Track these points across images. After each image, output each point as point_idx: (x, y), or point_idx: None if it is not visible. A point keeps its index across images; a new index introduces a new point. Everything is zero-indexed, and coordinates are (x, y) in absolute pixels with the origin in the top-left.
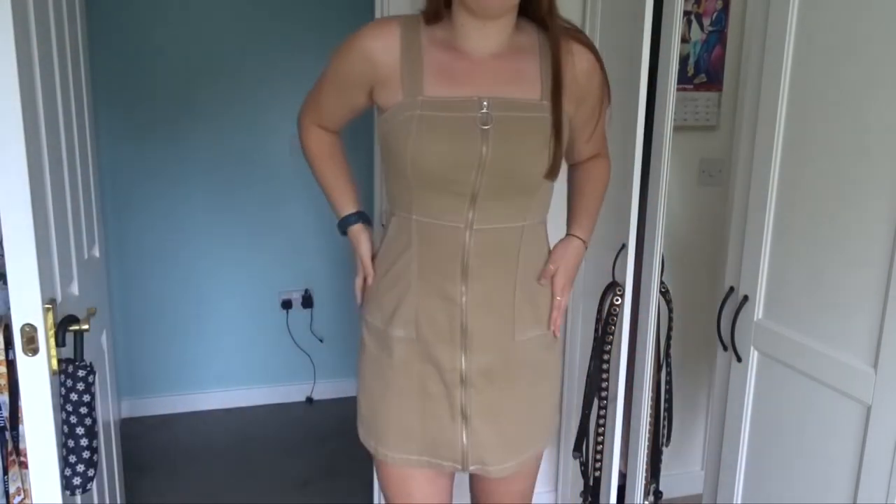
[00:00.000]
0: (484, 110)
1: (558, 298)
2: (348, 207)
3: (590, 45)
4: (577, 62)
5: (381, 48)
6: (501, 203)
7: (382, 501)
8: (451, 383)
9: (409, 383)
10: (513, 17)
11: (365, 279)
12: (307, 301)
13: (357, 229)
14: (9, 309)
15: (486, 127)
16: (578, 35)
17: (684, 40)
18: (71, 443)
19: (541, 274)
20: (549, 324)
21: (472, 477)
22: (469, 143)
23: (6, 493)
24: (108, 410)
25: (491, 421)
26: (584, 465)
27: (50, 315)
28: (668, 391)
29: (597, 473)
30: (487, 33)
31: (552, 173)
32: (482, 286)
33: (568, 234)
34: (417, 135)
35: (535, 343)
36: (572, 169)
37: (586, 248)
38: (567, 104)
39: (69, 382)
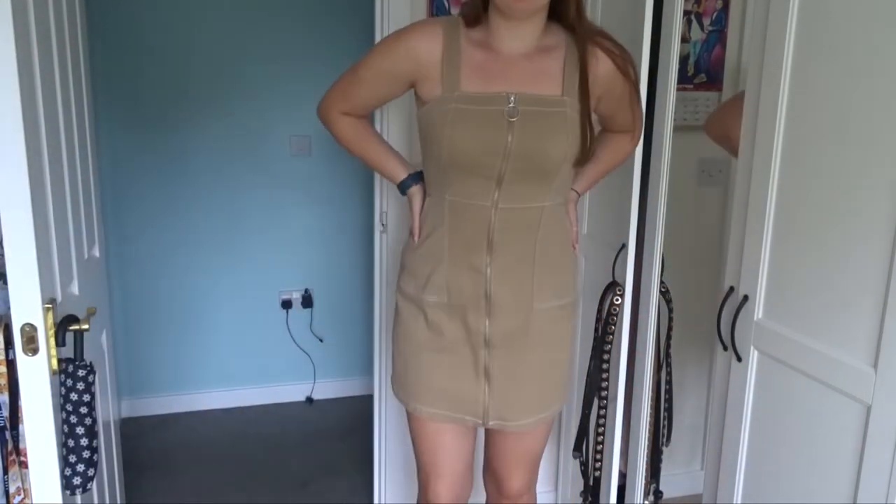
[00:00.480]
0: (511, 104)
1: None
2: (402, 173)
3: (612, 50)
4: (600, 65)
5: (425, 49)
6: (524, 186)
7: (382, 501)
8: (476, 345)
9: (439, 343)
10: (541, 20)
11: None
12: (307, 301)
13: (414, 190)
14: (9, 309)
15: (512, 119)
16: (603, 41)
17: (684, 40)
18: (71, 442)
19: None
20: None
21: (488, 437)
22: (497, 133)
23: (6, 492)
24: (108, 410)
25: (510, 381)
26: (584, 464)
27: (50, 315)
28: (668, 391)
29: (597, 473)
30: (518, 34)
31: (581, 161)
32: (504, 259)
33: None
34: (452, 125)
35: (553, 313)
36: (601, 133)
37: (578, 197)
38: (590, 100)
39: (69, 382)
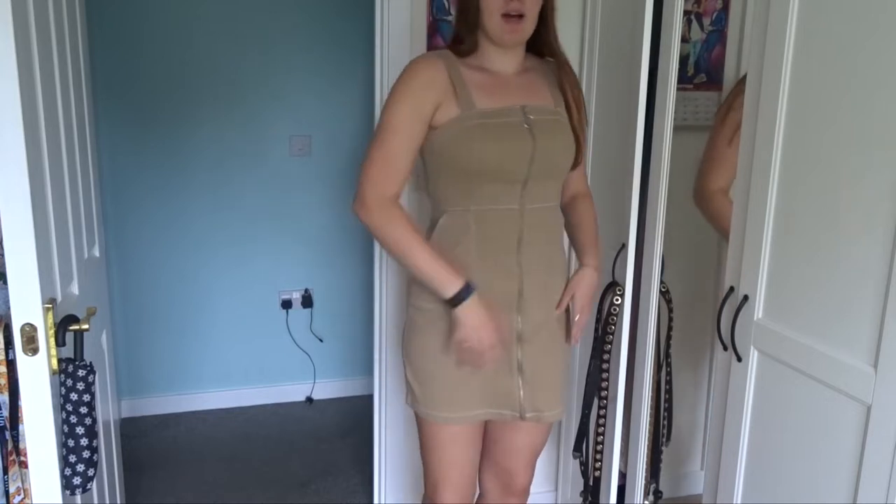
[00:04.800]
0: (524, 114)
1: (577, 317)
2: (458, 280)
3: (576, 81)
4: (570, 85)
5: (436, 75)
6: (544, 186)
7: (382, 501)
8: (508, 342)
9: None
10: (524, 46)
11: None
12: (307, 301)
13: (471, 304)
14: (9, 308)
15: (528, 127)
16: (571, 70)
17: (684, 40)
18: (71, 442)
19: (559, 303)
20: (570, 339)
21: (497, 435)
22: (521, 140)
23: (6, 492)
24: (107, 410)
25: (540, 373)
26: (584, 464)
27: (50, 315)
28: (668, 391)
29: (597, 473)
30: (508, 58)
31: (578, 161)
32: (532, 255)
33: (582, 265)
34: (481, 139)
35: (563, 313)
36: (566, 210)
37: (598, 273)
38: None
39: (69, 382)
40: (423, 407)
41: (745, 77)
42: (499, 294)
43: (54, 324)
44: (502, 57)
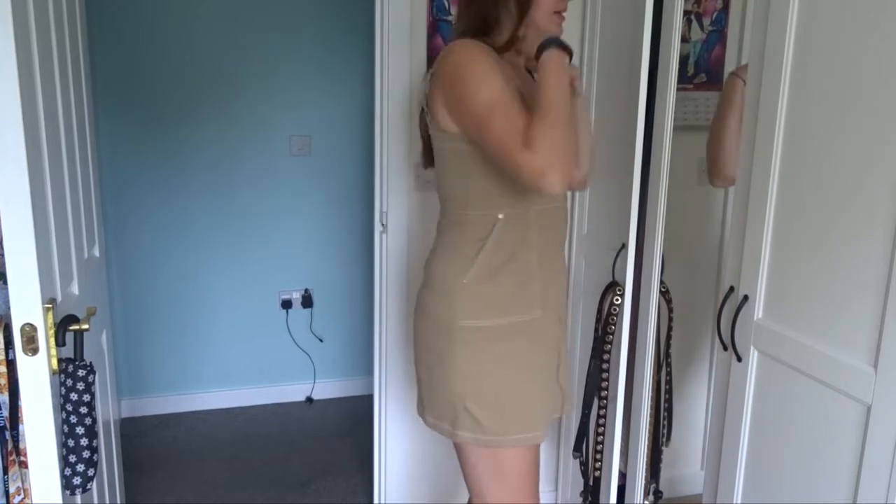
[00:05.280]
0: None
1: None
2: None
3: None
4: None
5: (495, 61)
6: None
7: (382, 501)
8: (553, 348)
9: (542, 358)
10: None
11: None
12: (307, 301)
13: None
14: (9, 308)
15: None
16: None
17: (684, 40)
18: (71, 442)
19: None
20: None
21: None
22: None
23: (6, 492)
24: (108, 410)
25: (564, 373)
26: (584, 464)
27: (50, 315)
28: (668, 391)
29: (597, 473)
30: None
31: None
32: (562, 257)
33: None
34: None
35: None
36: None
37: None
38: None
39: (69, 382)
40: (499, 435)
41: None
42: (554, 297)
43: (54, 324)
44: (520, 55)
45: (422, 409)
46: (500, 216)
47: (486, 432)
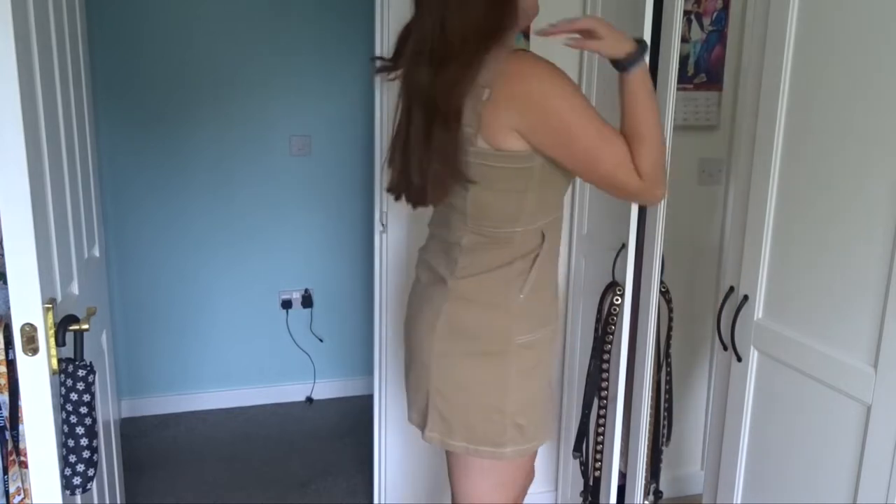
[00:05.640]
0: None
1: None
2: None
3: None
4: None
5: None
6: None
7: (382, 501)
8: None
9: (553, 368)
10: None
11: None
12: (307, 301)
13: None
14: (9, 308)
15: None
16: None
17: (684, 40)
18: (71, 442)
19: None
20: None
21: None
22: None
23: (6, 492)
24: (107, 410)
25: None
26: (584, 464)
27: (50, 315)
28: (668, 391)
29: (597, 473)
30: None
31: None
32: None
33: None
34: None
35: None
36: None
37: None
38: None
39: (69, 382)
40: (532, 441)
41: None
42: (555, 315)
43: (54, 324)
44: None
45: (447, 433)
46: (545, 227)
47: (528, 440)
